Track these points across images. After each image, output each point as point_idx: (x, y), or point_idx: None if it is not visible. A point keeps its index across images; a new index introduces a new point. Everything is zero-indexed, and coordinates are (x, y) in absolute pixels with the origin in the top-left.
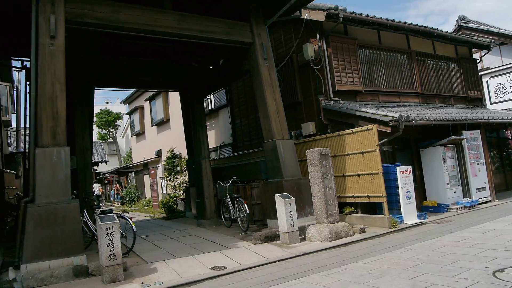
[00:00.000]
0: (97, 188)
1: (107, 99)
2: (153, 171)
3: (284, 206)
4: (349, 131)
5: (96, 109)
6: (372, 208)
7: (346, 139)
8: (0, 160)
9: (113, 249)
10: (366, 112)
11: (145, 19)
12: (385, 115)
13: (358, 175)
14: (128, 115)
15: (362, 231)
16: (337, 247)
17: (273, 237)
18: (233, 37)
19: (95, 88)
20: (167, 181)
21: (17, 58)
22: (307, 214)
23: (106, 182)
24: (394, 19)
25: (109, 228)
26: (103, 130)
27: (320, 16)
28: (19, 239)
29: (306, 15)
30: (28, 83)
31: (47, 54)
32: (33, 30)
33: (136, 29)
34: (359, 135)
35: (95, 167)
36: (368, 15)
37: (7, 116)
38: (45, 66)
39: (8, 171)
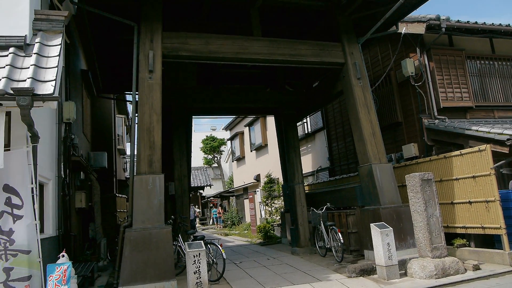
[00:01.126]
0: (193, 212)
1: (213, 126)
2: (251, 196)
3: (380, 237)
4: (457, 152)
5: (202, 136)
6: (489, 241)
7: (454, 162)
8: (114, 185)
9: (200, 277)
10: (477, 130)
11: (235, 48)
12: (501, 134)
13: (470, 202)
14: (230, 141)
15: (476, 268)
16: (444, 286)
17: (369, 271)
18: (324, 58)
19: (193, 116)
20: (264, 205)
21: (130, 92)
22: (409, 246)
23: (210, 205)
24: (510, 24)
25: (196, 255)
26: (209, 155)
27: (420, 29)
28: (118, 261)
29: (403, 29)
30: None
31: (146, 87)
32: (134, 66)
33: (227, 58)
34: (469, 157)
35: (200, 191)
36: (476, 22)
37: (122, 145)
38: (144, 99)
39: (121, 195)
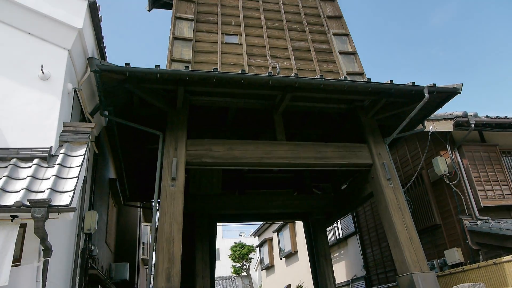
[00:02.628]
0: None
1: (242, 232)
2: None
3: None
4: (509, 257)
5: (231, 242)
6: None
7: (506, 269)
8: None
9: None
10: None
11: (259, 153)
12: None
13: None
14: (258, 248)
15: None
16: None
17: None
18: (350, 160)
19: (218, 223)
20: None
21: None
22: None
23: None
24: None
25: None
26: (237, 263)
27: (448, 126)
28: None
29: (430, 127)
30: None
31: (168, 195)
32: (157, 174)
33: (251, 163)
34: None
35: None
36: (506, 117)
37: (147, 255)
38: (165, 207)
39: None
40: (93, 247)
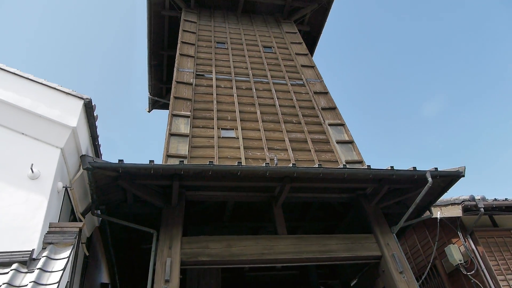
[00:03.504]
0: None
1: None
2: None
3: None
4: None
5: None
6: None
7: None
8: None
9: None
10: None
11: (259, 248)
12: None
13: None
14: None
15: None
16: None
17: None
18: (357, 252)
19: None
20: None
21: None
22: None
23: None
24: None
25: None
26: None
27: (456, 211)
28: None
29: (438, 213)
30: None
31: None
32: (149, 277)
33: (251, 260)
34: None
35: None
36: None
37: None
38: None
39: None
40: None
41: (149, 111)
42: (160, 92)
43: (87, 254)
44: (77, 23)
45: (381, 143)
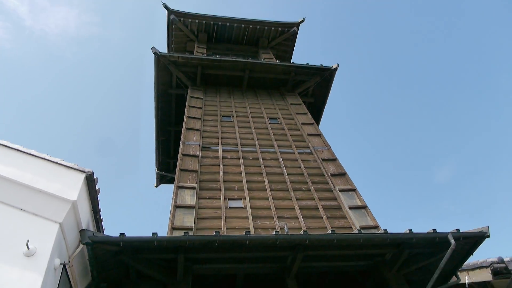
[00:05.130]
0: None
1: None
2: None
3: None
4: None
5: None
6: None
7: None
8: None
9: None
10: None
11: None
12: None
13: None
14: None
15: None
16: None
17: None
18: None
19: None
20: None
21: None
22: None
23: None
24: None
25: None
26: None
27: (486, 275)
28: None
29: (466, 278)
30: None
31: None
32: None
33: None
34: None
35: None
36: None
37: None
38: None
39: None
40: None
41: (156, 186)
42: (168, 167)
43: None
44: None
45: (394, 210)
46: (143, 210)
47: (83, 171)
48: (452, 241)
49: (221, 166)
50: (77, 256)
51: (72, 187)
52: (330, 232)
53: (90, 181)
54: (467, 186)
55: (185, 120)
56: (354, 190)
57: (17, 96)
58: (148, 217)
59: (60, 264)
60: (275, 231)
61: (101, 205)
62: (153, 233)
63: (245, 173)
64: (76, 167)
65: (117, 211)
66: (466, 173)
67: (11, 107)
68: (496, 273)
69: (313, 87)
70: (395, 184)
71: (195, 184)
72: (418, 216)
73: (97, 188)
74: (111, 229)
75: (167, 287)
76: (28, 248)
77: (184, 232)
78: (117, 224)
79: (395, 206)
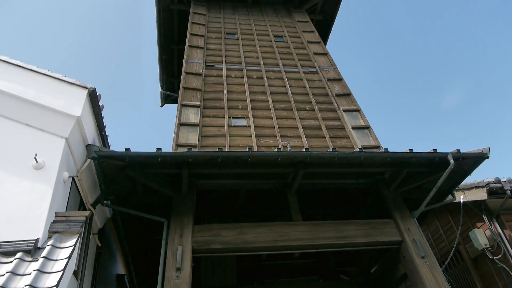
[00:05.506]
0: None
1: None
2: None
3: None
4: None
5: None
6: None
7: None
8: None
9: None
10: None
11: (273, 235)
12: None
13: None
14: None
15: None
16: None
17: None
18: (376, 238)
19: None
20: None
21: None
22: None
23: None
24: None
25: None
26: None
27: (481, 195)
28: None
29: (461, 197)
30: None
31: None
32: (160, 266)
33: (265, 248)
34: None
35: None
36: None
37: None
38: None
39: None
40: None
41: (161, 106)
42: (172, 87)
43: (100, 245)
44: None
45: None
46: (149, 130)
47: (86, 87)
48: (452, 161)
49: (225, 85)
50: (85, 170)
51: (75, 103)
52: (331, 150)
53: (93, 97)
54: (474, 112)
55: (188, 37)
56: (358, 110)
57: (14, 12)
58: (153, 136)
59: (69, 177)
60: (277, 148)
61: (107, 123)
62: (157, 149)
63: (249, 92)
64: (78, 83)
65: (123, 130)
66: (475, 98)
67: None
68: (491, 192)
69: (321, 3)
70: (402, 108)
71: (199, 103)
72: (422, 140)
73: (100, 104)
74: (117, 147)
75: (172, 200)
76: (36, 161)
77: (188, 149)
78: (124, 142)
79: (400, 130)
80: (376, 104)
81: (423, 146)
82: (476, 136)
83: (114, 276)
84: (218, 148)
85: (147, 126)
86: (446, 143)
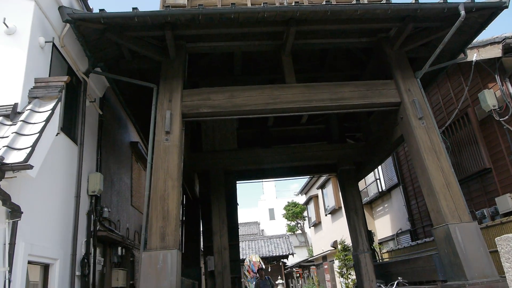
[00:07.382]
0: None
1: (295, 191)
2: (326, 266)
3: None
4: None
5: (284, 202)
6: None
7: None
8: None
9: None
10: None
11: (264, 98)
12: None
13: None
14: (306, 205)
15: None
16: None
17: None
18: (372, 99)
19: (238, 181)
20: (339, 277)
21: None
22: None
23: (297, 275)
24: None
25: None
26: (291, 222)
27: (496, 52)
28: None
29: (474, 55)
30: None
31: (161, 150)
32: (151, 129)
33: (255, 111)
34: None
35: (284, 260)
36: None
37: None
38: (159, 163)
39: None
40: (105, 209)
41: None
42: None
43: (101, 113)
44: None
45: None
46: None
47: None
48: (462, 12)
49: None
50: (71, 38)
51: None
52: (324, 3)
53: None
54: None
55: None
56: None
57: None
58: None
59: (47, 42)
60: (264, 2)
61: None
62: (133, 8)
63: None
64: None
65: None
66: None
67: None
68: (507, 49)
69: None
70: None
71: None
72: None
73: None
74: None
75: (161, 64)
76: (7, 26)
77: (167, 8)
78: (114, 7)
79: None
80: None
81: None
82: None
83: (128, 143)
84: (199, 5)
85: None
86: None
